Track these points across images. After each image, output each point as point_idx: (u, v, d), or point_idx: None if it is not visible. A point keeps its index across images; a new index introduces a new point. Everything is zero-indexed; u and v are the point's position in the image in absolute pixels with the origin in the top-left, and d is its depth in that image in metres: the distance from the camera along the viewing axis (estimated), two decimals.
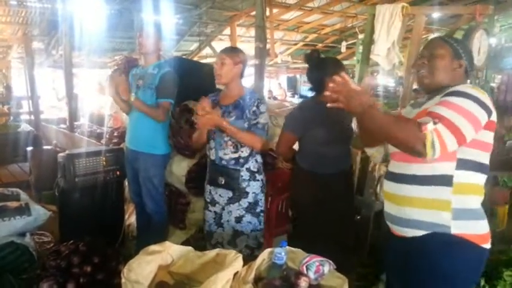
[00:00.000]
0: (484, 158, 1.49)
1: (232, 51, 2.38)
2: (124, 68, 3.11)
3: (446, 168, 1.45)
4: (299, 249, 1.74)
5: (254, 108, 2.26)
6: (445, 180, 1.46)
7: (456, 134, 1.35)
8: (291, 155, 2.54)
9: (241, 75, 2.38)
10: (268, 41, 6.73)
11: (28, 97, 6.39)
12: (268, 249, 1.72)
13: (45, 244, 3.13)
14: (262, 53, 4.65)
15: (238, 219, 2.36)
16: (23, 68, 7.26)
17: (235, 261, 1.62)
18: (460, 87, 1.45)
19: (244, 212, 2.34)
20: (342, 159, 2.52)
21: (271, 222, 2.71)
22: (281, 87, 15.48)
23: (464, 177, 1.45)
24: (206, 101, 2.20)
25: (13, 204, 2.75)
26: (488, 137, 1.47)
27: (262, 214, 2.41)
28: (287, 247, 1.71)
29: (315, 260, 1.63)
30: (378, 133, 1.54)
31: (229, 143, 2.31)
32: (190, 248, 1.81)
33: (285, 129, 2.44)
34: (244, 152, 2.32)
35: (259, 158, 2.40)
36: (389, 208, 1.62)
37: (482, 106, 1.39)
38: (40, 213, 2.75)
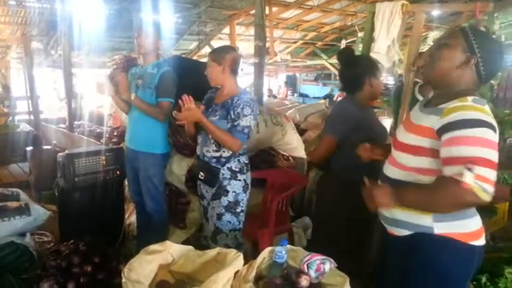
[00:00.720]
0: None
1: (216, 52, 2.36)
2: (123, 68, 3.10)
3: (431, 180, 1.45)
4: (300, 248, 1.74)
5: (239, 109, 2.23)
6: (427, 188, 1.45)
7: (493, 166, 1.29)
8: (325, 161, 2.39)
9: (233, 73, 2.34)
10: (267, 39, 6.72)
11: (27, 97, 6.37)
12: (269, 248, 1.72)
13: (45, 244, 3.13)
14: (261, 51, 4.65)
15: (219, 217, 2.37)
16: (22, 68, 7.25)
17: (235, 260, 1.61)
18: (467, 114, 1.33)
19: (223, 210, 2.35)
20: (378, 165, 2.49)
21: (271, 220, 2.70)
22: (285, 86, 15.51)
23: None
24: (187, 98, 2.21)
25: (13, 204, 2.74)
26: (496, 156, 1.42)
27: (242, 214, 2.40)
28: (288, 245, 1.70)
29: (315, 259, 1.63)
30: (426, 209, 1.45)
31: (212, 141, 2.32)
32: (190, 247, 1.81)
33: (326, 133, 2.32)
34: (226, 152, 2.31)
35: (243, 158, 2.38)
36: (380, 208, 1.63)
37: (492, 128, 1.33)
38: (40, 213, 2.74)
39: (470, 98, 1.39)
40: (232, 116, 2.24)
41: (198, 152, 2.44)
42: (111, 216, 3.08)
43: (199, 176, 2.39)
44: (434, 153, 1.41)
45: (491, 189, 1.27)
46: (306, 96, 16.00)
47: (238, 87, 2.37)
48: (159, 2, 6.47)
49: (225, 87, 2.34)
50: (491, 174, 1.28)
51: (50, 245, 3.10)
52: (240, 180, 2.36)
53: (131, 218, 3.34)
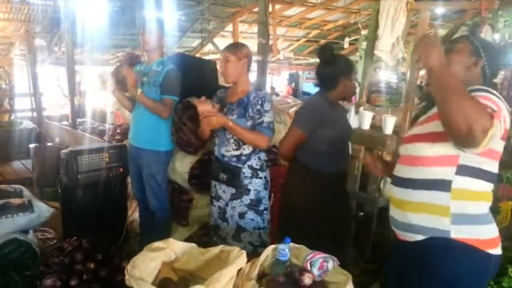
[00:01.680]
0: (491, 166, 1.44)
1: (235, 47, 2.34)
2: (127, 65, 3.10)
3: (446, 173, 1.44)
4: (303, 246, 1.73)
5: (258, 106, 2.23)
6: (444, 186, 1.44)
7: (503, 128, 1.33)
8: (293, 154, 2.44)
9: (248, 70, 2.36)
10: (270, 37, 6.72)
11: (30, 94, 6.38)
12: (272, 246, 1.71)
13: (48, 241, 3.13)
14: (264, 49, 4.65)
15: (242, 215, 2.36)
16: (25, 65, 7.27)
17: (239, 258, 1.61)
18: (481, 88, 1.40)
19: (246, 208, 2.35)
20: (346, 158, 2.53)
21: (274, 218, 2.69)
22: (288, 84, 15.48)
23: (463, 183, 1.42)
24: (205, 103, 2.19)
25: (16, 201, 2.74)
26: (500, 145, 1.43)
27: (266, 212, 2.40)
28: (291, 243, 1.70)
29: (319, 257, 1.62)
30: (444, 97, 1.26)
31: (232, 140, 2.31)
32: (193, 244, 1.80)
33: (295, 126, 2.34)
34: (246, 150, 2.31)
35: (262, 155, 2.38)
36: (393, 213, 1.63)
37: (503, 103, 1.37)
38: (43, 210, 2.74)
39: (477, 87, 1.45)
40: (251, 114, 2.24)
41: (216, 153, 2.42)
42: (113, 213, 3.08)
43: (220, 178, 2.36)
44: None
45: (487, 143, 1.22)
46: (309, 94, 16.01)
47: (251, 84, 2.37)
48: None
49: (239, 84, 2.33)
50: (498, 130, 1.29)
51: (53, 241, 3.10)
52: (261, 178, 2.35)
53: (134, 215, 3.34)
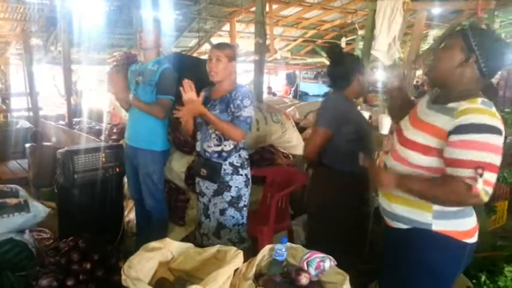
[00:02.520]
0: None
1: (227, 47, 2.35)
2: (123, 64, 3.09)
3: (433, 176, 1.50)
4: (299, 246, 1.74)
5: (238, 101, 2.24)
6: (432, 181, 1.49)
7: (496, 170, 1.36)
8: (316, 156, 2.41)
9: (235, 69, 2.37)
10: (267, 36, 6.71)
11: (27, 94, 6.36)
12: (269, 246, 1.72)
13: (45, 241, 3.12)
14: (261, 48, 4.64)
15: (222, 212, 2.37)
16: (21, 64, 7.23)
17: (235, 258, 1.61)
18: (479, 118, 1.36)
19: (227, 205, 2.36)
20: (370, 156, 2.50)
21: (271, 218, 2.70)
22: (286, 84, 15.49)
23: None
24: (188, 83, 2.19)
25: (12, 201, 2.73)
26: None
27: (245, 209, 2.41)
28: (288, 243, 1.70)
29: (315, 256, 1.63)
30: (421, 198, 1.50)
31: (213, 135, 2.32)
32: (190, 244, 1.81)
33: (318, 125, 2.33)
34: (228, 146, 2.31)
35: (243, 153, 2.39)
36: (381, 201, 1.71)
37: (500, 134, 1.37)
38: (39, 209, 2.73)
39: (479, 100, 1.42)
40: (233, 109, 2.25)
41: (198, 149, 2.44)
42: (110, 213, 3.07)
43: (201, 173, 2.38)
44: (442, 153, 1.44)
45: (491, 191, 1.35)
46: (306, 94, 15.99)
47: (235, 83, 2.39)
48: None
49: (225, 82, 2.34)
50: (494, 178, 1.35)
51: (49, 241, 3.09)
52: (241, 175, 2.36)
53: (130, 215, 3.34)
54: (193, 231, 3.08)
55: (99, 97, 6.60)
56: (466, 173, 1.34)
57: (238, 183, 2.35)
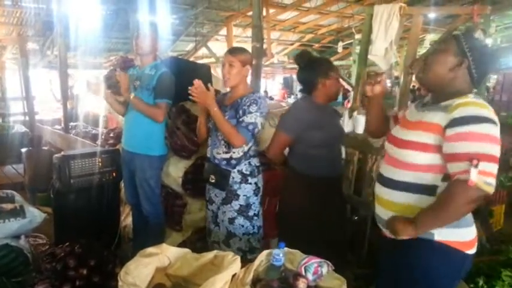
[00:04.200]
0: None
1: (241, 52, 2.30)
2: (121, 69, 3.09)
3: (432, 179, 1.48)
4: (297, 251, 1.73)
5: (245, 107, 2.21)
6: (430, 190, 1.49)
7: (495, 160, 1.34)
8: (282, 158, 2.45)
9: (247, 76, 2.35)
10: (264, 41, 6.73)
11: (23, 98, 6.34)
12: (266, 251, 1.71)
13: (41, 246, 3.09)
14: (259, 53, 4.64)
15: (231, 221, 2.34)
16: (17, 68, 7.22)
17: (233, 263, 1.60)
18: (472, 110, 1.37)
19: (236, 214, 2.33)
20: (338, 162, 2.50)
21: (268, 223, 2.69)
22: (283, 87, 15.53)
23: None
24: (199, 82, 2.18)
25: (7, 206, 2.70)
26: None
27: (256, 218, 2.38)
28: (285, 248, 1.69)
29: (313, 261, 1.62)
30: (445, 223, 1.46)
31: (222, 142, 2.29)
32: (187, 250, 1.79)
33: (279, 129, 2.34)
34: (236, 153, 2.28)
35: (254, 161, 2.35)
36: (378, 211, 1.66)
37: (496, 124, 1.37)
38: (35, 215, 2.71)
39: (471, 95, 1.45)
40: (240, 114, 2.22)
41: (208, 155, 2.41)
42: (107, 218, 3.05)
43: (210, 180, 2.35)
44: (440, 149, 1.43)
45: (493, 181, 1.32)
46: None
47: (249, 89, 2.36)
48: (155, 3, 6.45)
49: (238, 89, 2.30)
50: (494, 168, 1.33)
51: (45, 247, 3.06)
52: (250, 183, 2.32)
53: (127, 220, 3.32)
54: (190, 236, 3.07)
55: (95, 101, 6.58)
56: (461, 166, 1.33)
57: (247, 191, 2.32)
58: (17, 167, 5.04)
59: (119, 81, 2.79)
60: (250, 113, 2.19)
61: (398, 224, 1.49)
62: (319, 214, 2.31)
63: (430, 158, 1.46)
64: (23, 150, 4.58)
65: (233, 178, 2.29)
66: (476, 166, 1.29)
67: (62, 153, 3.03)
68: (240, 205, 2.32)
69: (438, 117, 1.44)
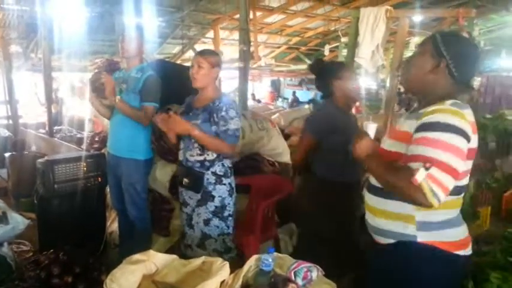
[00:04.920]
0: (460, 182, 1.43)
1: (210, 53, 2.34)
2: (106, 71, 3.05)
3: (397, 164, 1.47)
4: (286, 255, 1.71)
5: (223, 113, 2.21)
6: (391, 167, 1.46)
7: (450, 172, 1.30)
8: (305, 161, 2.47)
9: (217, 77, 2.37)
10: (251, 43, 6.72)
11: (6, 101, 6.22)
12: (255, 256, 1.69)
13: (24, 253, 3.03)
14: (246, 55, 4.63)
15: (206, 222, 2.33)
16: (1, 72, 7.09)
17: (221, 269, 1.58)
18: (438, 117, 1.35)
19: (211, 215, 2.32)
20: (358, 166, 2.49)
21: (257, 227, 2.67)
22: (271, 90, 15.58)
23: None
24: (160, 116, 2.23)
25: None
26: (466, 165, 1.41)
27: (230, 218, 2.38)
28: (274, 253, 1.67)
29: (302, 266, 1.60)
30: (378, 179, 1.51)
31: (196, 145, 2.29)
32: (175, 256, 1.77)
33: (305, 131, 2.41)
34: (210, 156, 2.28)
35: (226, 162, 2.36)
36: (367, 217, 1.66)
37: (463, 135, 1.34)
38: (18, 221, 2.65)
39: (449, 102, 1.41)
40: (216, 119, 2.22)
41: (180, 158, 2.40)
42: (92, 224, 3.00)
43: (183, 183, 2.35)
44: None
45: (441, 194, 1.29)
46: (286, 99, 16.10)
47: (219, 91, 2.38)
48: (141, 5, 6.39)
49: (207, 90, 2.32)
50: (447, 180, 1.30)
51: (29, 254, 3.00)
52: (225, 184, 2.33)
53: (113, 226, 3.26)
54: (178, 241, 3.03)
55: (80, 105, 6.51)
56: (414, 166, 1.31)
57: (222, 192, 2.32)
58: (0, 172, 4.93)
59: (104, 84, 2.75)
60: (232, 118, 2.22)
61: (362, 142, 1.53)
62: (339, 219, 2.32)
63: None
64: (6, 154, 4.49)
65: (207, 180, 2.29)
66: (426, 169, 1.27)
67: (46, 157, 2.98)
68: (216, 206, 2.31)
69: (409, 125, 1.45)
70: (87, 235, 2.86)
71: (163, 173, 3.01)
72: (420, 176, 1.26)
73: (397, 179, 1.36)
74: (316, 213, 2.37)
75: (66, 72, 8.02)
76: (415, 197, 1.31)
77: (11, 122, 6.17)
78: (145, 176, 2.84)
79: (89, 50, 8.50)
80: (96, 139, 3.74)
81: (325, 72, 2.45)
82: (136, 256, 1.70)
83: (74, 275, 2.25)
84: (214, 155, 2.29)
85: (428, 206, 1.31)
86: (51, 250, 2.45)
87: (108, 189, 3.10)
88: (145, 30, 2.92)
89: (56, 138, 5.19)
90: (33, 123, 7.13)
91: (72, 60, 7.96)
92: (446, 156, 1.30)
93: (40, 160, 2.93)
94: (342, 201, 2.32)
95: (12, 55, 6.90)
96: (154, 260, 1.72)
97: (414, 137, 1.38)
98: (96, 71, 3.73)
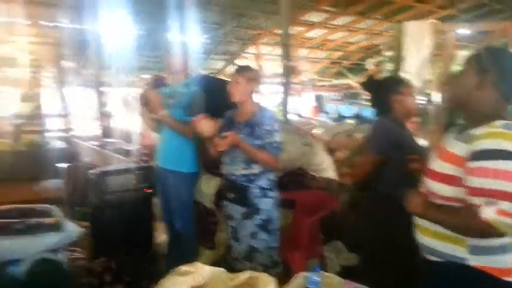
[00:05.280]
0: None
1: (246, 70, 2.42)
2: (153, 87, 3.16)
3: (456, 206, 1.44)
4: (335, 275, 1.69)
5: (265, 126, 2.28)
6: (451, 210, 1.44)
7: None
8: (365, 179, 2.41)
9: (255, 92, 2.43)
10: (293, 58, 6.77)
11: (60, 115, 6.57)
12: (302, 274, 1.68)
13: (77, 261, 3.14)
14: (288, 71, 4.67)
15: (253, 236, 2.36)
16: (55, 87, 7.52)
17: (267, 285, 1.59)
18: (492, 143, 1.30)
19: (257, 229, 2.34)
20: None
21: (302, 244, 2.65)
22: (315, 105, 15.50)
23: None
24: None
25: (46, 220, 2.77)
26: None
27: (277, 232, 2.40)
28: (321, 272, 1.66)
29: (352, 287, 1.58)
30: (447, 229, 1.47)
31: (241, 159, 2.33)
32: (222, 269, 1.79)
33: (369, 150, 2.35)
34: (256, 169, 2.32)
35: (271, 175, 2.39)
36: (421, 239, 1.63)
37: None
38: (73, 229, 2.75)
39: (500, 124, 1.35)
40: (259, 133, 2.28)
41: (225, 172, 2.45)
42: (141, 234, 3.09)
43: (228, 197, 2.39)
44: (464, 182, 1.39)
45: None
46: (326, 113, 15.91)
47: (258, 105, 2.44)
48: (186, 22, 6.60)
49: (246, 105, 2.40)
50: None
51: (82, 261, 3.11)
52: (270, 197, 2.35)
53: (161, 236, 3.34)
54: (224, 255, 3.06)
55: (129, 119, 6.75)
56: (475, 201, 1.29)
57: (268, 205, 2.34)
58: (56, 182, 5.18)
59: (152, 99, 2.85)
60: (274, 132, 2.30)
61: (415, 200, 1.52)
62: (405, 237, 2.26)
63: (457, 191, 1.42)
64: (61, 165, 4.71)
65: (253, 193, 2.32)
66: (492, 204, 1.24)
67: (98, 169, 3.10)
68: (262, 219, 2.34)
69: (461, 149, 1.41)
70: (136, 244, 2.94)
71: (208, 186, 3.07)
72: (488, 213, 1.25)
73: (462, 221, 1.35)
74: (377, 231, 2.29)
75: (115, 87, 8.36)
76: (487, 234, 1.30)
77: (64, 134, 6.49)
78: (192, 188, 2.90)
79: (136, 66, 8.86)
80: (145, 152, 3.87)
81: (383, 88, 2.41)
82: (185, 267, 1.74)
83: (125, 283, 2.32)
84: (260, 169, 2.32)
85: (501, 236, 1.30)
86: (104, 259, 2.54)
87: (156, 200, 3.19)
88: (190, 47, 3.01)
89: (107, 151, 5.40)
90: (86, 135, 7.48)
91: (120, 75, 8.31)
92: (507, 185, 1.25)
93: (92, 171, 3.07)
94: (407, 220, 2.24)
95: (65, 71, 7.30)
96: (202, 272, 1.74)
97: (470, 165, 1.34)
98: (146, 86, 3.87)
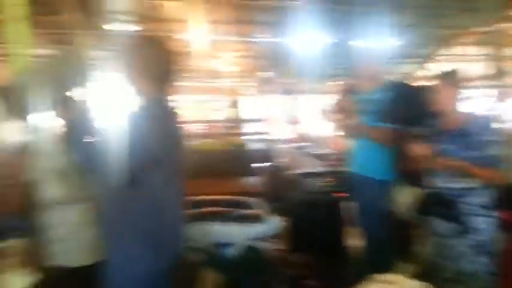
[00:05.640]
0: None
1: (454, 76, 2.24)
2: (346, 94, 3.22)
3: None
4: None
5: (483, 137, 2.06)
6: None
7: None
8: None
9: (460, 99, 2.24)
10: (502, 59, 5.94)
11: (260, 120, 7.31)
12: None
13: (276, 252, 3.42)
14: (499, 73, 4.14)
15: (463, 257, 2.15)
16: (255, 95, 8.39)
17: None
18: None
19: (468, 249, 2.13)
20: None
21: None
22: None
23: None
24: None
25: (253, 212, 3.10)
26: None
27: (493, 256, 2.14)
28: None
29: None
30: None
31: (453, 172, 2.15)
32: (426, 284, 1.70)
33: None
34: (470, 183, 2.10)
35: (489, 191, 2.14)
36: None
37: None
38: (275, 222, 3.00)
39: None
40: (475, 144, 2.09)
41: (432, 184, 2.33)
42: (331, 236, 3.18)
43: (435, 211, 2.26)
44: None
45: None
46: None
47: (467, 113, 2.25)
48: (376, 27, 6.47)
49: (452, 113, 2.23)
50: None
51: (280, 254, 3.37)
52: (486, 216, 2.13)
53: (353, 242, 3.36)
54: (425, 271, 2.89)
55: (323, 125, 7.04)
56: None
57: (483, 225, 2.13)
58: (254, 179, 5.77)
59: (345, 107, 2.90)
60: (491, 142, 2.10)
61: None
62: None
63: None
64: (260, 165, 5.21)
65: (465, 210, 2.13)
66: None
67: (297, 170, 3.33)
68: (476, 240, 2.12)
69: None
70: (328, 246, 3.05)
71: (405, 196, 2.96)
72: None
73: None
74: None
75: (309, 94, 8.83)
76: None
77: (262, 137, 7.20)
78: (387, 197, 2.85)
79: (328, 74, 9.16)
80: (338, 157, 3.98)
81: None
82: (386, 277, 1.71)
83: (321, 281, 2.42)
84: (475, 183, 2.13)
85: None
86: (301, 254, 2.69)
87: (351, 206, 3.24)
88: (381, 52, 2.96)
89: (303, 154, 5.72)
90: (283, 139, 8.14)
91: (312, 83, 8.74)
92: None
93: (291, 172, 3.31)
94: None
95: (264, 80, 8.06)
96: (404, 285, 1.70)
97: None
98: (339, 94, 3.98)
